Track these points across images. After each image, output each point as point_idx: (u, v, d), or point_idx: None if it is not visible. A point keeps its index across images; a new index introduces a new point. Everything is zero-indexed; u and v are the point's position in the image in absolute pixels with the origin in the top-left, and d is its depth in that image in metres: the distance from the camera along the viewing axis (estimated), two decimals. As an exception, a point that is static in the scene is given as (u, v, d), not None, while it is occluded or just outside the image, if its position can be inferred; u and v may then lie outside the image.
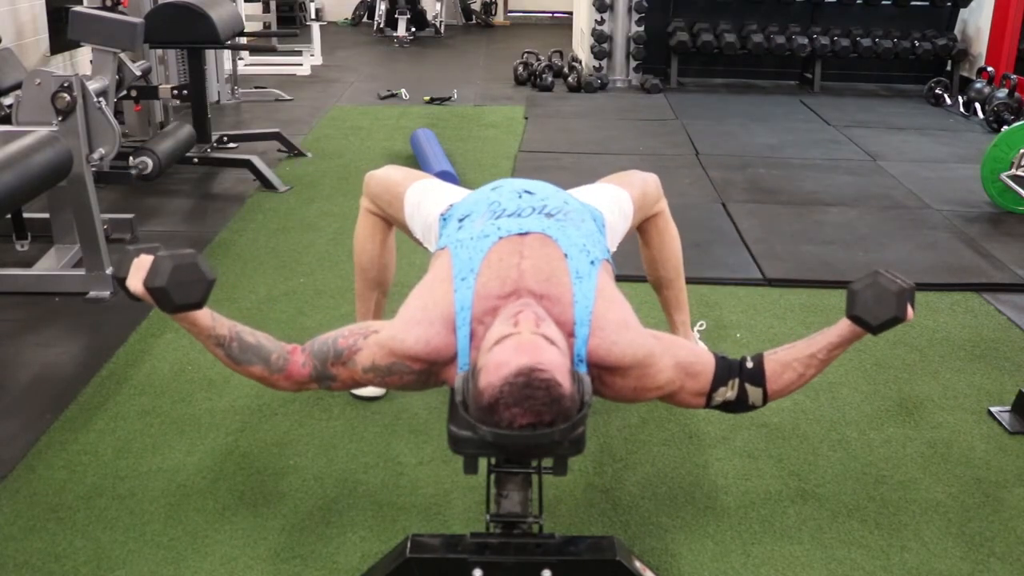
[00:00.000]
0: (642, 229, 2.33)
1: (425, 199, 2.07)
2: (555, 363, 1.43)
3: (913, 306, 1.67)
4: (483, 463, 1.72)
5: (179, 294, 1.58)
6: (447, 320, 1.61)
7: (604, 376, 1.64)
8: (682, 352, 1.70)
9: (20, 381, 2.47)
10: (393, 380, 1.66)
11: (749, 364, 1.71)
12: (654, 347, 1.65)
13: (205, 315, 1.65)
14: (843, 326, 1.72)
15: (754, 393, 1.70)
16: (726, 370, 1.69)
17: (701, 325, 2.65)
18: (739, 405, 1.71)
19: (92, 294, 2.97)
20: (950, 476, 2.12)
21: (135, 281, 1.60)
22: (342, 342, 1.66)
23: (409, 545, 1.58)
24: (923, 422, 2.35)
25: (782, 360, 1.72)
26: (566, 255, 1.69)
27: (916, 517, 1.98)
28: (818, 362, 1.72)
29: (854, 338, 1.72)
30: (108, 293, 2.97)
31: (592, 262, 1.69)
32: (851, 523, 1.95)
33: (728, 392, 1.69)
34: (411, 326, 1.62)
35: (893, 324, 1.66)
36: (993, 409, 2.40)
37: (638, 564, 1.61)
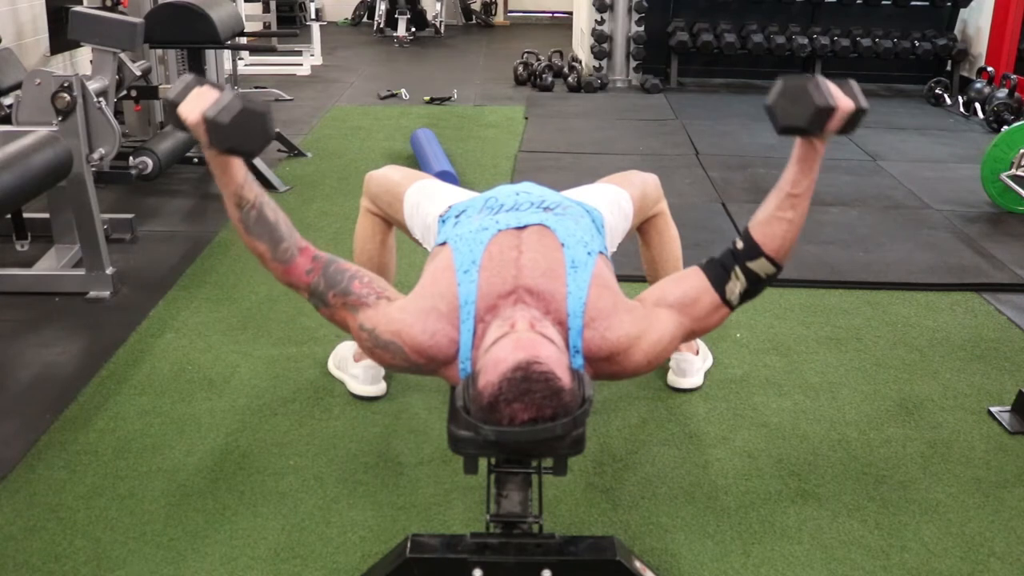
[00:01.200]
0: (642, 230, 2.33)
1: (425, 200, 2.08)
2: (553, 357, 1.44)
3: (853, 95, 1.58)
4: (483, 463, 1.72)
5: (236, 136, 1.52)
6: (452, 313, 1.60)
7: (608, 363, 1.63)
8: (671, 293, 1.68)
9: (20, 381, 2.47)
10: (383, 355, 1.63)
11: (739, 244, 1.67)
12: (642, 312, 1.64)
13: (241, 168, 1.61)
14: (794, 151, 1.64)
15: (760, 266, 1.65)
16: (720, 268, 1.67)
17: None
18: (756, 286, 1.67)
19: (92, 294, 2.97)
20: (950, 476, 2.12)
21: (192, 109, 1.54)
22: (356, 286, 1.64)
23: (409, 545, 1.58)
24: (923, 422, 2.35)
25: (764, 218, 1.67)
26: (563, 245, 1.68)
27: (916, 517, 1.98)
28: (796, 198, 1.64)
29: (808, 154, 1.63)
30: (108, 293, 2.97)
31: (589, 253, 1.69)
32: (851, 523, 1.95)
33: (737, 284, 1.66)
34: (420, 315, 1.61)
35: (824, 117, 1.56)
36: (993, 409, 2.40)
37: (638, 564, 1.62)
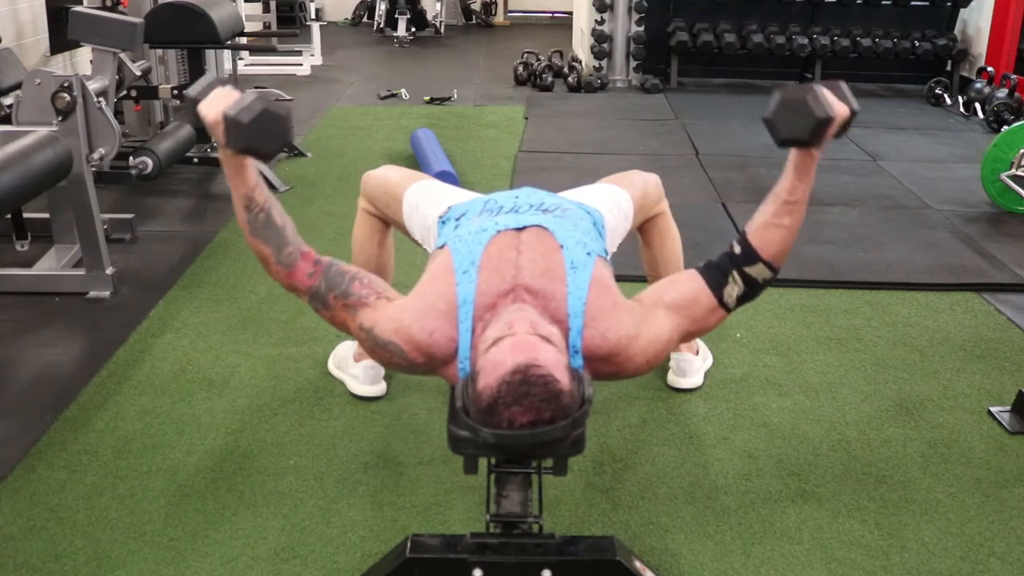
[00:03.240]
0: (643, 230, 2.33)
1: (424, 201, 2.07)
2: (552, 360, 1.43)
3: (846, 99, 1.61)
4: (483, 463, 1.72)
5: (254, 137, 1.54)
6: (450, 313, 1.61)
7: (607, 363, 1.63)
8: (668, 295, 1.69)
9: (20, 381, 2.47)
10: (383, 355, 1.64)
11: (736, 249, 1.69)
12: (640, 313, 1.65)
13: (254, 171, 1.63)
14: (791, 158, 1.66)
15: (757, 271, 1.67)
16: (717, 271, 1.68)
17: None
18: (752, 290, 1.69)
19: (92, 294, 2.97)
20: (950, 476, 2.12)
21: (212, 108, 1.56)
22: (356, 287, 1.66)
23: (409, 545, 1.58)
24: (923, 422, 2.35)
25: (762, 223, 1.68)
26: (562, 246, 1.69)
27: (916, 517, 1.98)
28: (793, 205, 1.67)
29: (805, 163, 1.65)
30: (108, 293, 2.97)
31: (588, 253, 1.69)
32: (851, 523, 1.95)
33: (735, 287, 1.67)
34: (418, 314, 1.62)
35: (823, 127, 1.58)
36: (993, 409, 2.40)
37: (638, 564, 1.61)
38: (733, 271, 1.68)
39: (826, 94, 1.60)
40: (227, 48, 4.53)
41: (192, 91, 1.59)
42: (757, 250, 1.67)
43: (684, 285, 1.70)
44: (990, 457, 2.20)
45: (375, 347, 1.64)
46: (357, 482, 2.06)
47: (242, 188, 1.64)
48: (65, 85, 2.81)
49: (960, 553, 1.87)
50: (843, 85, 1.63)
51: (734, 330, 2.80)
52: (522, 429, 1.39)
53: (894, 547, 1.88)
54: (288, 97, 6.12)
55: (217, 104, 1.56)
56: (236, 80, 5.98)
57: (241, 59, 6.73)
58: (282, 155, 4.67)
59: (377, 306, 1.64)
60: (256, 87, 6.27)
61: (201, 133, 4.27)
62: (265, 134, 1.54)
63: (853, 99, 1.63)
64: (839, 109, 1.60)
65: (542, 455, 1.58)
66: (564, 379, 1.41)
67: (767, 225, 1.68)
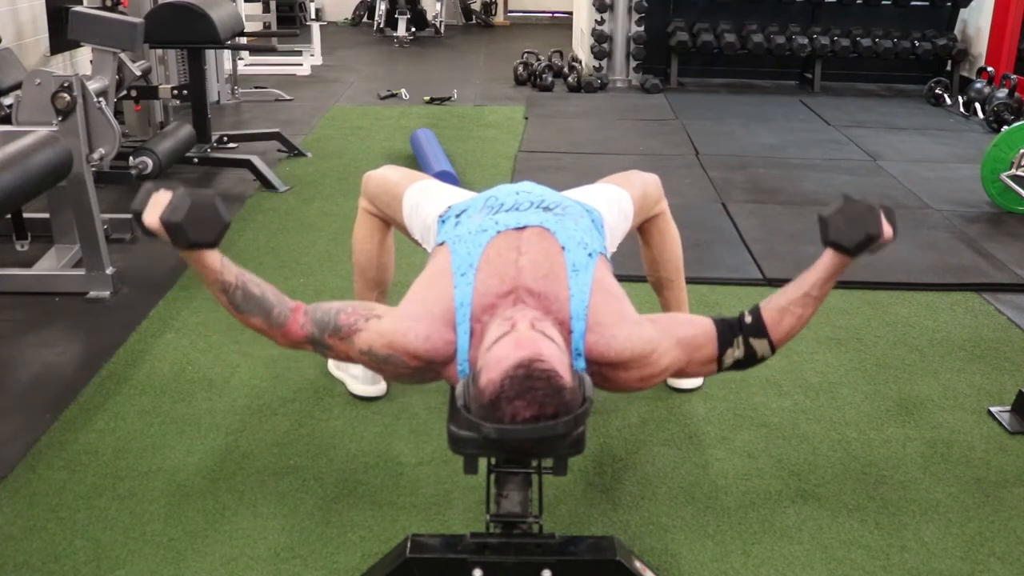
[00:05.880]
0: (643, 230, 2.33)
1: (424, 200, 2.07)
2: (554, 356, 1.44)
3: (894, 225, 1.70)
4: (483, 463, 1.72)
5: (194, 231, 1.61)
6: (447, 316, 1.61)
7: (606, 371, 1.64)
8: (681, 329, 1.70)
9: (20, 381, 2.47)
10: (387, 369, 1.66)
11: (748, 319, 1.71)
12: (652, 334, 1.65)
13: (215, 258, 1.66)
14: (825, 257, 1.73)
15: (759, 346, 1.70)
16: (729, 331, 1.70)
17: None
18: (748, 361, 1.71)
19: (92, 294, 2.97)
20: (950, 476, 2.12)
21: (152, 216, 1.62)
22: (343, 318, 1.66)
23: (409, 545, 1.58)
24: (923, 422, 2.35)
25: (778, 306, 1.72)
26: (564, 248, 1.69)
27: (916, 517, 1.98)
28: (812, 300, 1.73)
29: (838, 267, 1.73)
30: (108, 293, 2.97)
31: (590, 255, 1.69)
32: (851, 523, 1.95)
33: (736, 352, 1.70)
34: (411, 321, 1.62)
35: (870, 243, 1.69)
36: (993, 409, 2.40)
37: (638, 564, 1.61)
38: (740, 336, 1.70)
39: (882, 214, 1.70)
40: (227, 48, 4.54)
41: (134, 204, 1.66)
42: (767, 328, 1.71)
43: (699, 328, 1.71)
44: (990, 457, 2.20)
45: (378, 364, 1.66)
46: (357, 482, 2.06)
47: (211, 275, 1.67)
48: (65, 85, 2.81)
49: (960, 553, 1.87)
50: (894, 212, 1.74)
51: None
52: (525, 424, 1.39)
53: (894, 547, 1.88)
54: (288, 97, 6.13)
55: (154, 211, 1.62)
56: (236, 80, 5.99)
57: (241, 59, 6.73)
58: (282, 155, 4.67)
59: (368, 327, 1.65)
60: (256, 87, 6.29)
61: (201, 133, 4.28)
62: (200, 224, 1.62)
63: (897, 225, 1.73)
64: (887, 232, 1.70)
65: (543, 452, 1.58)
66: (566, 375, 1.42)
67: (783, 310, 1.72)
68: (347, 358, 1.69)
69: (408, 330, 1.61)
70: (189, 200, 1.61)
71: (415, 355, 1.61)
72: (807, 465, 2.15)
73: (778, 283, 3.20)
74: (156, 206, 1.62)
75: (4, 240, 3.29)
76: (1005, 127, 4.37)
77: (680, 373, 1.72)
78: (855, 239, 1.68)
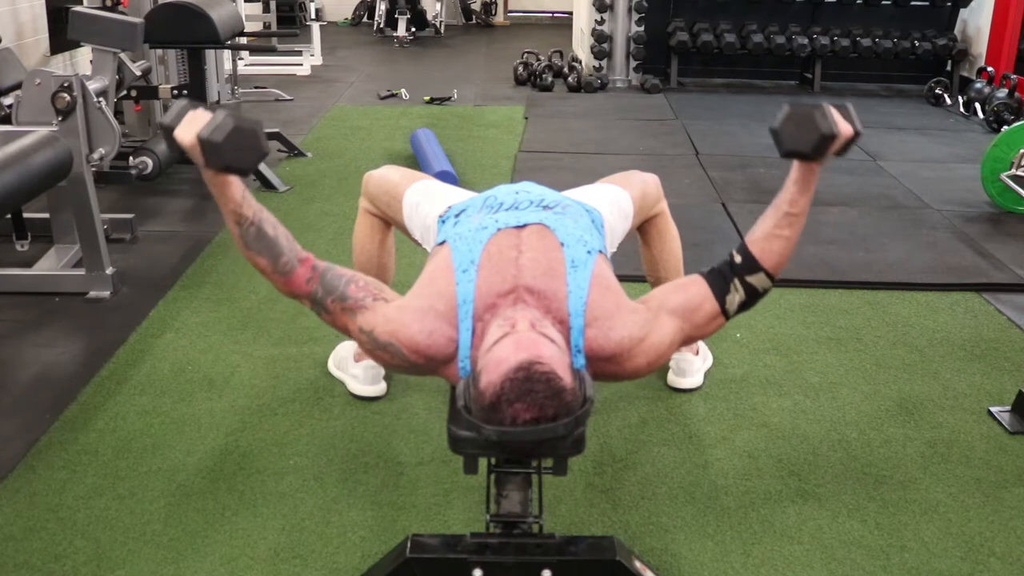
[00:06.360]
0: (642, 230, 2.33)
1: (424, 200, 2.07)
2: (554, 357, 1.44)
3: (851, 120, 1.65)
4: (483, 463, 1.72)
5: (233, 155, 1.56)
6: (450, 313, 1.61)
7: (610, 364, 1.64)
8: (673, 299, 1.70)
9: (20, 381, 2.47)
10: (383, 356, 1.65)
11: (737, 258, 1.72)
12: (646, 315, 1.66)
13: (239, 187, 1.64)
14: (792, 171, 1.71)
15: (758, 280, 1.71)
16: (721, 279, 1.70)
17: None
18: (752, 299, 1.72)
19: (92, 294, 2.97)
20: (950, 476, 2.12)
21: (187, 131, 1.57)
22: (352, 290, 1.66)
23: (409, 545, 1.58)
24: (923, 422, 2.35)
25: (763, 234, 1.72)
26: (563, 244, 1.69)
27: (916, 517, 1.98)
28: (794, 217, 1.71)
29: (807, 177, 1.70)
30: (108, 293, 2.97)
31: (589, 252, 1.69)
32: (851, 523, 1.95)
33: (737, 295, 1.70)
34: (416, 314, 1.62)
35: (826, 143, 1.64)
36: (993, 409, 2.40)
37: (638, 564, 1.61)
38: (735, 279, 1.70)
39: (833, 112, 1.64)
40: (227, 48, 4.53)
41: (166, 119, 1.61)
42: (758, 260, 1.70)
43: (690, 291, 1.71)
44: (990, 457, 2.20)
45: (375, 349, 1.64)
46: (357, 482, 2.06)
47: (230, 205, 1.65)
48: (65, 85, 2.81)
49: (960, 553, 1.87)
50: (851, 107, 1.68)
51: (734, 330, 2.80)
52: (525, 426, 1.39)
53: (894, 547, 1.88)
54: (288, 97, 6.13)
55: (191, 128, 1.57)
56: (236, 80, 5.98)
57: (241, 59, 6.73)
58: (282, 155, 4.67)
59: (375, 308, 1.64)
60: (256, 87, 6.29)
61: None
62: (240, 149, 1.57)
63: (858, 122, 1.67)
64: (843, 128, 1.64)
65: (544, 453, 1.58)
66: (567, 376, 1.42)
67: (768, 236, 1.71)
68: (342, 328, 1.68)
69: (412, 323, 1.61)
70: (233, 123, 1.55)
71: (416, 349, 1.61)
72: (807, 465, 2.15)
73: (778, 283, 3.20)
74: (193, 122, 1.57)
75: (4, 240, 3.28)
76: (1005, 127, 4.36)
77: (690, 339, 1.71)
78: (811, 142, 1.63)
